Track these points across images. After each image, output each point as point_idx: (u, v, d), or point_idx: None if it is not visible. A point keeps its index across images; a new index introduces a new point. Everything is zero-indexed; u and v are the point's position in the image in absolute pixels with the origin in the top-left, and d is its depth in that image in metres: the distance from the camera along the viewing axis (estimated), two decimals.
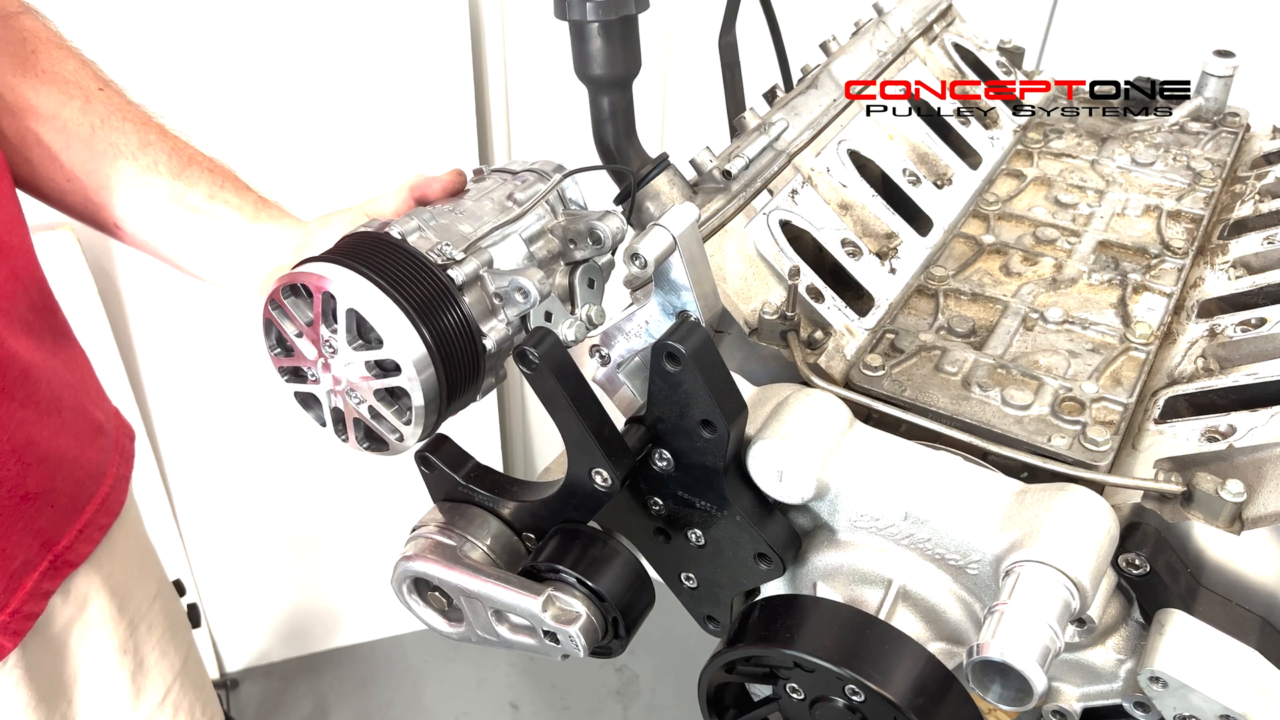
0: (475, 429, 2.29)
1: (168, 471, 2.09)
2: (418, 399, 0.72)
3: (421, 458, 0.80)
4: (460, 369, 0.74)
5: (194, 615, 2.00)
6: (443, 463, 0.79)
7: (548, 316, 0.77)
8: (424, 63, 1.83)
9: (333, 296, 0.71)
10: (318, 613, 2.44)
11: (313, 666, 2.44)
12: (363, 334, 0.73)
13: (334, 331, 0.72)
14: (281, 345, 0.77)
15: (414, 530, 0.80)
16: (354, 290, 0.70)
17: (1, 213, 0.85)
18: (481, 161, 2.00)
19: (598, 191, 0.89)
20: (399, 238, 0.74)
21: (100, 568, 0.98)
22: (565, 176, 0.86)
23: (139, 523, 1.11)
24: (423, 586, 0.79)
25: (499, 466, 2.49)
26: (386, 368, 0.72)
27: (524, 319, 0.77)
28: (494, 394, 2.30)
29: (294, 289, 0.73)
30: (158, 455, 2.06)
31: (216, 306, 1.87)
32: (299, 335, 0.75)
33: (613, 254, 0.84)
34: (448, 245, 0.75)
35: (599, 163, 0.88)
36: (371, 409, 0.75)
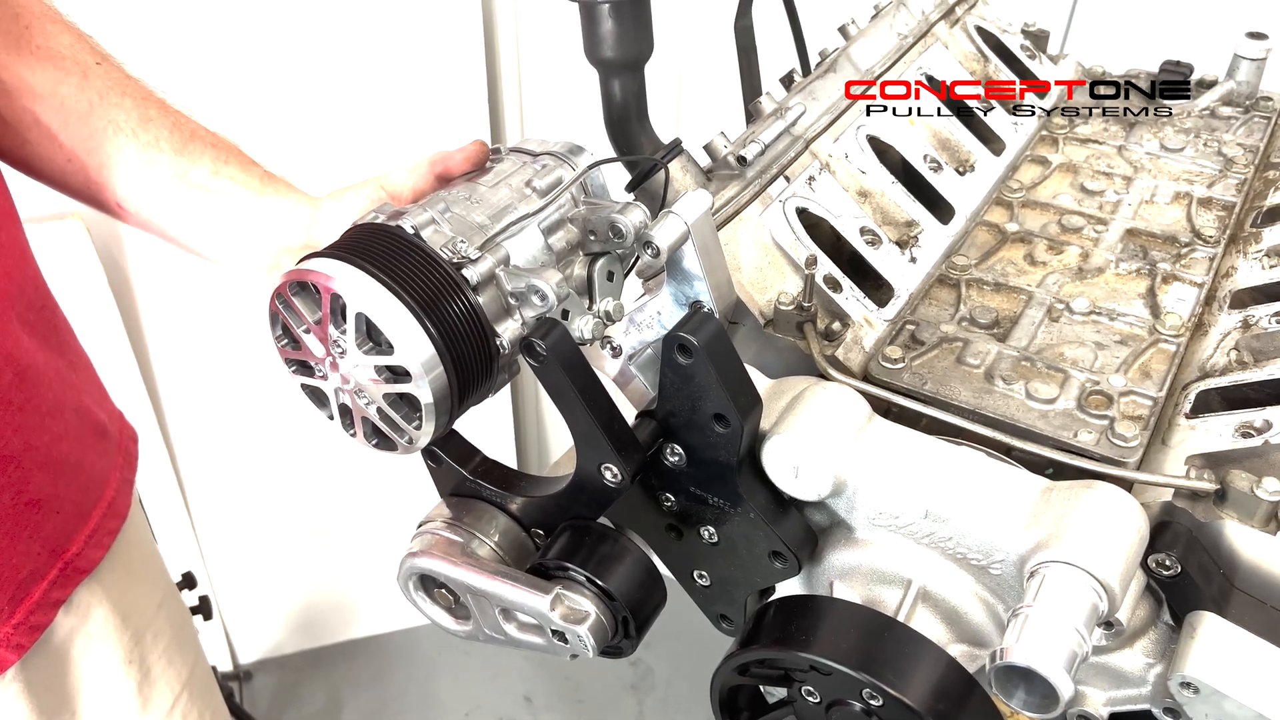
0: (489, 422, 2.27)
1: (180, 463, 2.09)
2: (428, 405, 0.69)
3: (428, 452, 0.78)
4: (473, 373, 0.72)
5: (206, 607, 2.01)
6: (450, 457, 0.77)
7: (564, 314, 0.74)
8: (436, 45, 1.81)
9: (341, 297, 0.68)
10: (331, 604, 2.44)
11: (326, 658, 2.44)
12: (372, 337, 0.70)
13: (342, 332, 0.70)
14: (289, 337, 0.75)
15: (420, 526, 0.79)
16: (365, 294, 0.67)
17: None
18: (494, 144, 1.99)
19: (611, 177, 0.86)
20: (412, 233, 0.71)
21: (102, 577, 0.95)
22: (590, 169, 0.82)
23: (142, 529, 1.08)
24: (429, 583, 0.77)
25: (513, 460, 2.47)
26: (397, 372, 0.70)
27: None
28: (507, 386, 2.29)
29: (302, 285, 0.71)
30: (170, 447, 2.06)
31: (228, 297, 1.86)
32: (306, 331, 0.73)
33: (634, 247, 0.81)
34: (463, 242, 0.71)
35: (622, 153, 0.85)
36: (380, 410, 0.73)
